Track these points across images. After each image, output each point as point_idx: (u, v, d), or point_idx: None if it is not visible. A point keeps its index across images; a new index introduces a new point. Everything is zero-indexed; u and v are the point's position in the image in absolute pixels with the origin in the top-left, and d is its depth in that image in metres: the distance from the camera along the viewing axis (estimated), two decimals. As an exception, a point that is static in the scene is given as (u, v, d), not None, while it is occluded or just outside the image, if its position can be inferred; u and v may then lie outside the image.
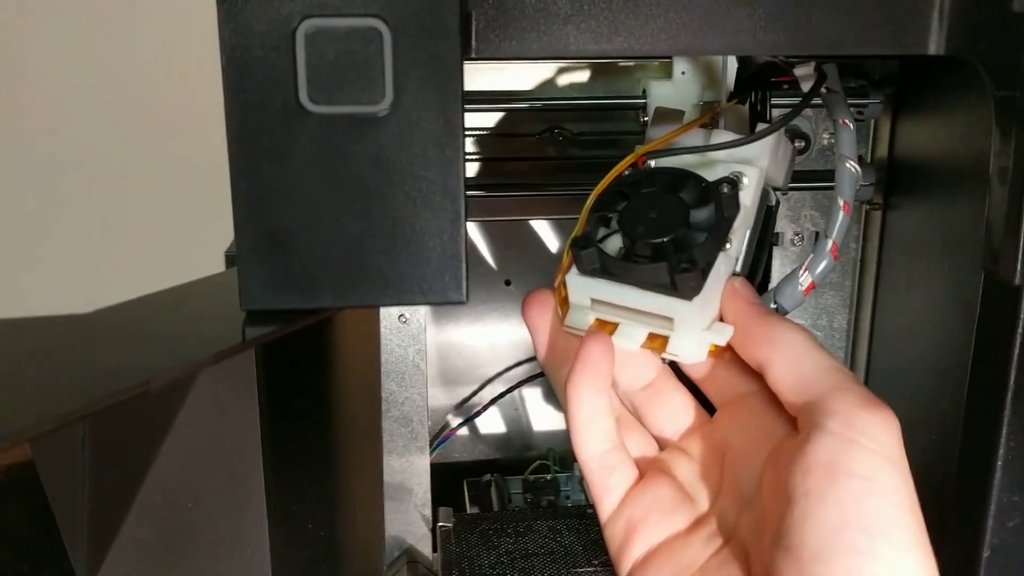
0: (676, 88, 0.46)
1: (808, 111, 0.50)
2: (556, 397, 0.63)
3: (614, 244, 0.34)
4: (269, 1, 0.28)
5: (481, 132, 0.49)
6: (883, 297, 0.51)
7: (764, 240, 0.38)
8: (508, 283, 0.60)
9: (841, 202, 0.34)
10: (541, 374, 0.61)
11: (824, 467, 0.28)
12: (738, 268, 0.36)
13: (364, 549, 0.40)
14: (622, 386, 0.37)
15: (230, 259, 0.43)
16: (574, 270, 0.34)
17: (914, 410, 0.47)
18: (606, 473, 0.35)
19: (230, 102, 0.28)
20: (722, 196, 0.34)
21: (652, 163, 0.37)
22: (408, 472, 0.52)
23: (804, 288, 0.34)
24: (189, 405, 0.29)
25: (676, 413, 0.36)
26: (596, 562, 0.51)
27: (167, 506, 0.30)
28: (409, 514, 0.53)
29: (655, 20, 0.32)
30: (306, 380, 0.34)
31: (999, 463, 0.38)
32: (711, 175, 0.35)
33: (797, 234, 0.52)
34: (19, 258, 0.97)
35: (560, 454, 0.62)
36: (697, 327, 0.34)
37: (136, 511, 0.29)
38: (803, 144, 0.50)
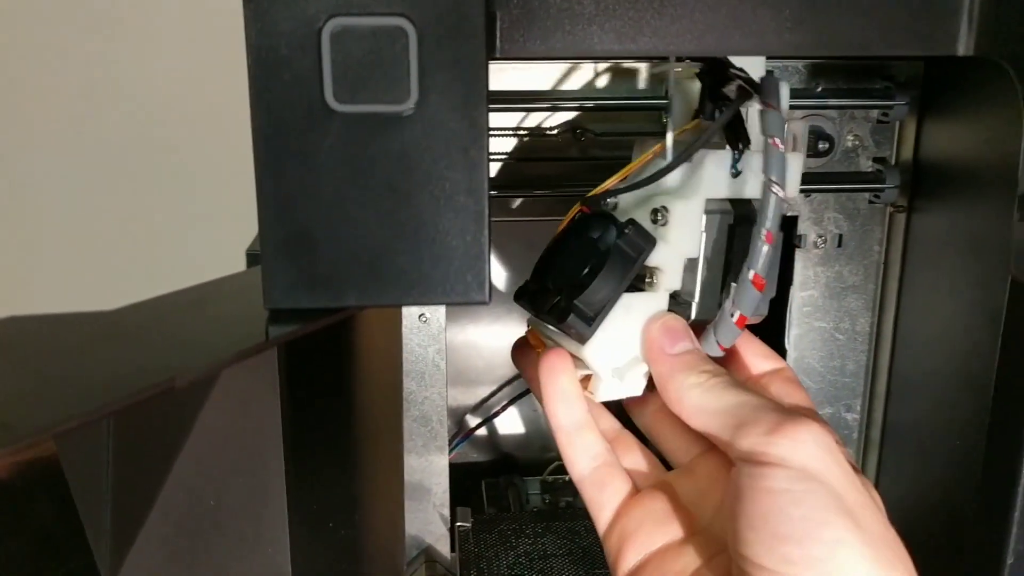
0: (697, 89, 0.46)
1: (832, 112, 0.50)
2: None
3: None
4: (295, 0, 0.28)
5: (503, 132, 0.49)
6: (907, 300, 0.50)
7: (731, 260, 0.37)
8: (528, 283, 0.60)
9: (763, 232, 0.32)
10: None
11: (744, 490, 0.30)
12: (696, 298, 0.36)
13: (384, 548, 0.40)
14: (634, 410, 0.39)
15: (251, 257, 0.43)
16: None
17: (937, 415, 0.46)
18: (597, 489, 0.36)
19: (256, 101, 0.28)
20: (623, 237, 0.34)
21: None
22: (427, 471, 0.52)
23: (736, 321, 0.34)
24: (212, 402, 0.29)
25: (684, 435, 0.37)
26: (614, 564, 0.51)
27: (189, 503, 0.30)
28: (428, 513, 0.53)
29: (680, 20, 0.32)
30: (328, 379, 0.34)
31: (1024, 470, 0.38)
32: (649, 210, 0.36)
33: (820, 236, 0.51)
34: (37, 255, 0.98)
35: (578, 455, 0.62)
36: (603, 369, 0.35)
37: (159, 508, 0.29)
38: (827, 146, 0.50)
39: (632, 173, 0.37)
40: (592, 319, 0.34)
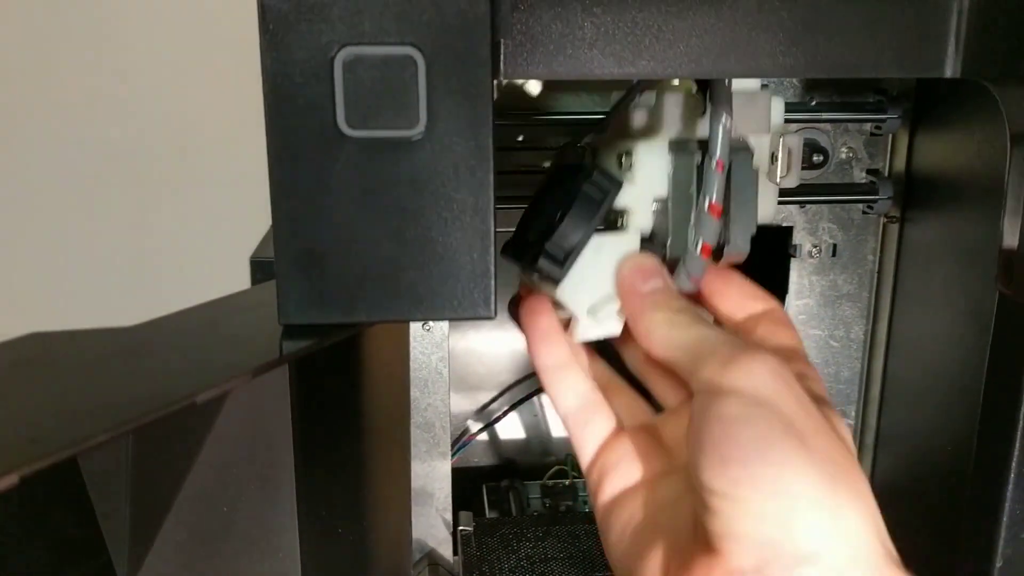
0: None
1: (826, 125, 0.51)
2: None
3: None
4: (309, 30, 0.29)
5: (506, 147, 0.50)
6: (900, 309, 0.51)
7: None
8: (529, 291, 0.61)
9: (714, 161, 0.35)
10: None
11: (698, 418, 0.30)
12: (669, 238, 0.37)
13: (391, 553, 0.41)
14: (627, 359, 0.40)
15: (255, 264, 0.44)
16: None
17: (929, 421, 0.47)
18: (581, 426, 0.37)
19: (271, 126, 0.29)
20: (588, 180, 0.35)
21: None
22: (430, 476, 0.53)
23: (700, 251, 0.36)
24: (226, 413, 0.30)
25: (671, 378, 0.38)
26: (614, 567, 0.52)
27: (203, 510, 0.31)
28: (431, 518, 0.54)
29: (677, 44, 0.33)
30: (338, 389, 0.35)
31: (1012, 475, 0.39)
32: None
33: (815, 246, 0.53)
34: (42, 257, 0.98)
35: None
36: (579, 309, 0.36)
37: (174, 514, 0.30)
38: (821, 158, 0.51)
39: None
40: (563, 261, 0.35)
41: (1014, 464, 0.38)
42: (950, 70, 0.34)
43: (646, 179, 0.37)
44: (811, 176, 0.51)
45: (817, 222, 0.52)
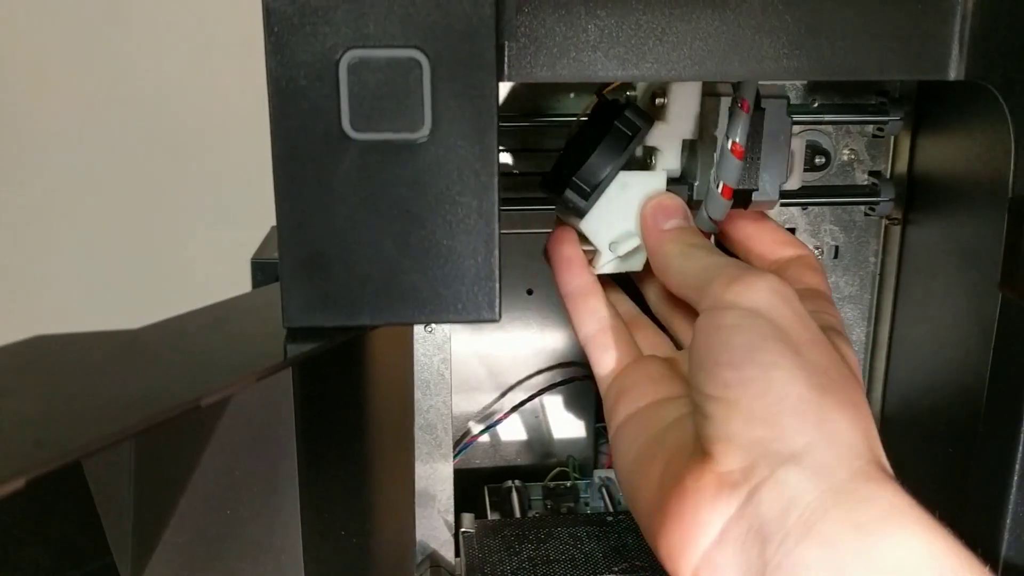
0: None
1: (828, 127, 0.51)
2: (576, 405, 0.64)
3: None
4: (314, 33, 0.29)
5: (510, 149, 0.50)
6: (902, 311, 0.51)
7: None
8: (530, 292, 0.61)
9: (740, 101, 0.36)
10: (562, 382, 0.62)
11: (699, 332, 0.31)
12: (697, 180, 0.38)
13: (394, 555, 0.41)
14: (651, 299, 0.41)
15: (256, 266, 0.44)
16: None
17: (932, 423, 0.47)
18: (601, 350, 0.38)
19: (276, 129, 0.29)
20: (620, 117, 0.36)
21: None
22: (432, 478, 0.53)
23: (721, 192, 0.36)
24: (229, 417, 0.30)
25: (691, 317, 0.39)
26: (616, 569, 0.52)
27: (207, 513, 0.31)
28: (433, 519, 0.54)
29: (681, 47, 0.33)
30: (341, 392, 0.35)
31: (1015, 478, 0.39)
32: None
33: (817, 248, 0.52)
34: (44, 257, 0.98)
35: (580, 461, 0.63)
36: (601, 242, 0.37)
37: (177, 517, 0.30)
38: (823, 160, 0.51)
39: None
40: (588, 193, 0.36)
41: (1017, 466, 0.39)
42: (954, 73, 0.35)
43: (678, 119, 0.37)
44: (813, 178, 0.51)
45: (819, 224, 0.52)
